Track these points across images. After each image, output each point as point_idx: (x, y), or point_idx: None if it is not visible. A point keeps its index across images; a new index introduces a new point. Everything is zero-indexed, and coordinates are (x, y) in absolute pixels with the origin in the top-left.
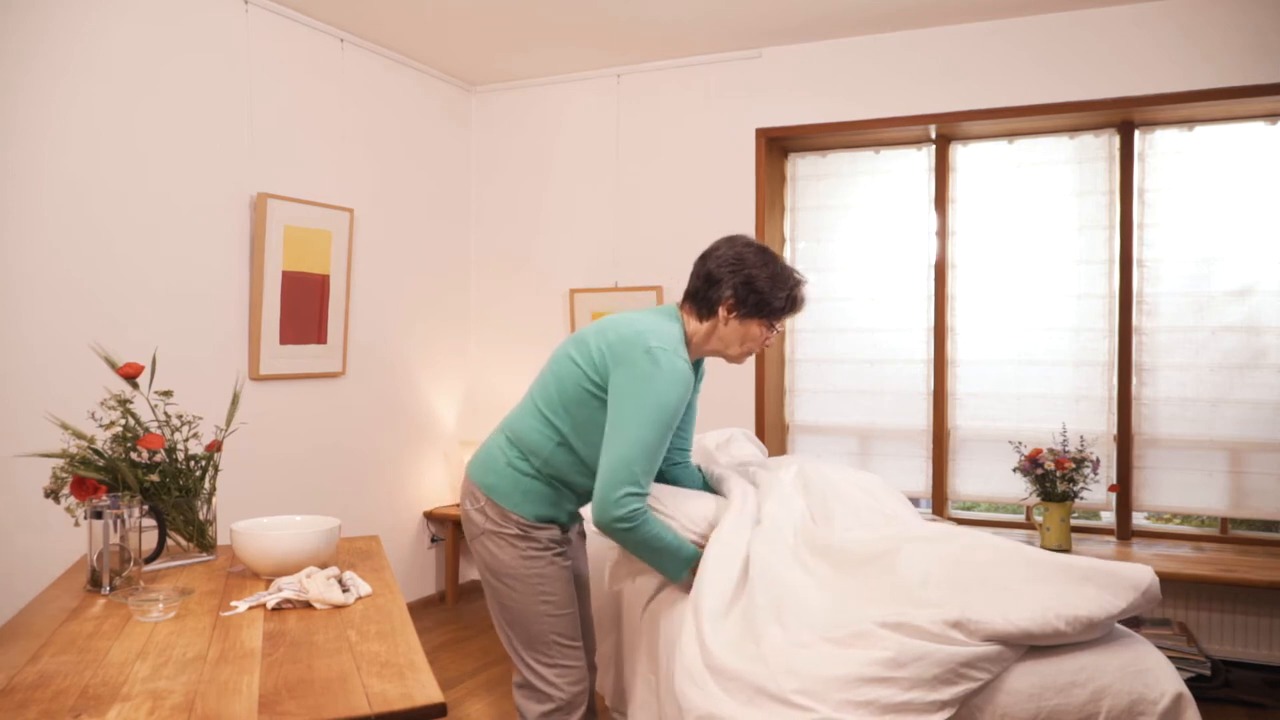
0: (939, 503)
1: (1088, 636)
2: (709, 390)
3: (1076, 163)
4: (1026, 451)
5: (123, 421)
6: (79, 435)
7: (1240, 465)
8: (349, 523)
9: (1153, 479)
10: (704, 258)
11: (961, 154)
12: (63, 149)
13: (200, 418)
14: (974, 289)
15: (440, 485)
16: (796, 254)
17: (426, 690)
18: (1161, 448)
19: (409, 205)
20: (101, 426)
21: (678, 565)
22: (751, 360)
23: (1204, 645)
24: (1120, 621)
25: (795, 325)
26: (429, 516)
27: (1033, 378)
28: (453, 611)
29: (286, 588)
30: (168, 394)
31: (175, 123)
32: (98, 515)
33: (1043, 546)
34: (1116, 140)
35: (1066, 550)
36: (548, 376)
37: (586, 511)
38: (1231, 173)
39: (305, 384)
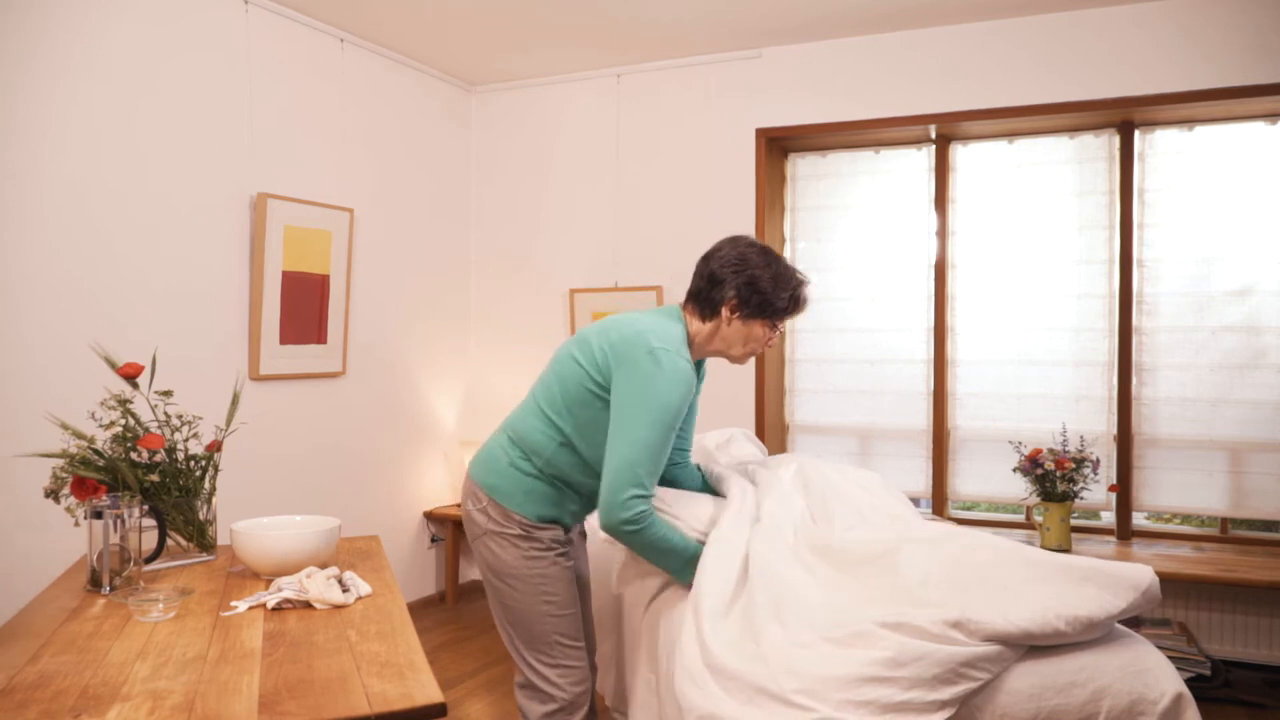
0: (939, 503)
1: (1088, 636)
2: (709, 390)
3: (1076, 163)
4: (1026, 451)
5: (123, 421)
6: (79, 435)
7: (1240, 465)
8: (349, 523)
9: (1153, 479)
10: (707, 258)
11: (961, 154)
12: (63, 149)
13: (200, 418)
14: (974, 289)
15: (440, 485)
16: (796, 254)
17: (426, 690)
18: (1161, 448)
19: (409, 205)
20: (101, 426)
21: (685, 566)
22: (751, 360)
23: (1204, 645)
24: (1120, 621)
25: (795, 325)
26: (429, 516)
27: (1033, 378)
28: (453, 611)
29: (286, 588)
30: (168, 394)
31: (175, 123)
32: (98, 515)
33: (1043, 546)
34: (1116, 140)
35: (1066, 550)
36: (550, 377)
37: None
38: (1231, 173)
39: (305, 384)
